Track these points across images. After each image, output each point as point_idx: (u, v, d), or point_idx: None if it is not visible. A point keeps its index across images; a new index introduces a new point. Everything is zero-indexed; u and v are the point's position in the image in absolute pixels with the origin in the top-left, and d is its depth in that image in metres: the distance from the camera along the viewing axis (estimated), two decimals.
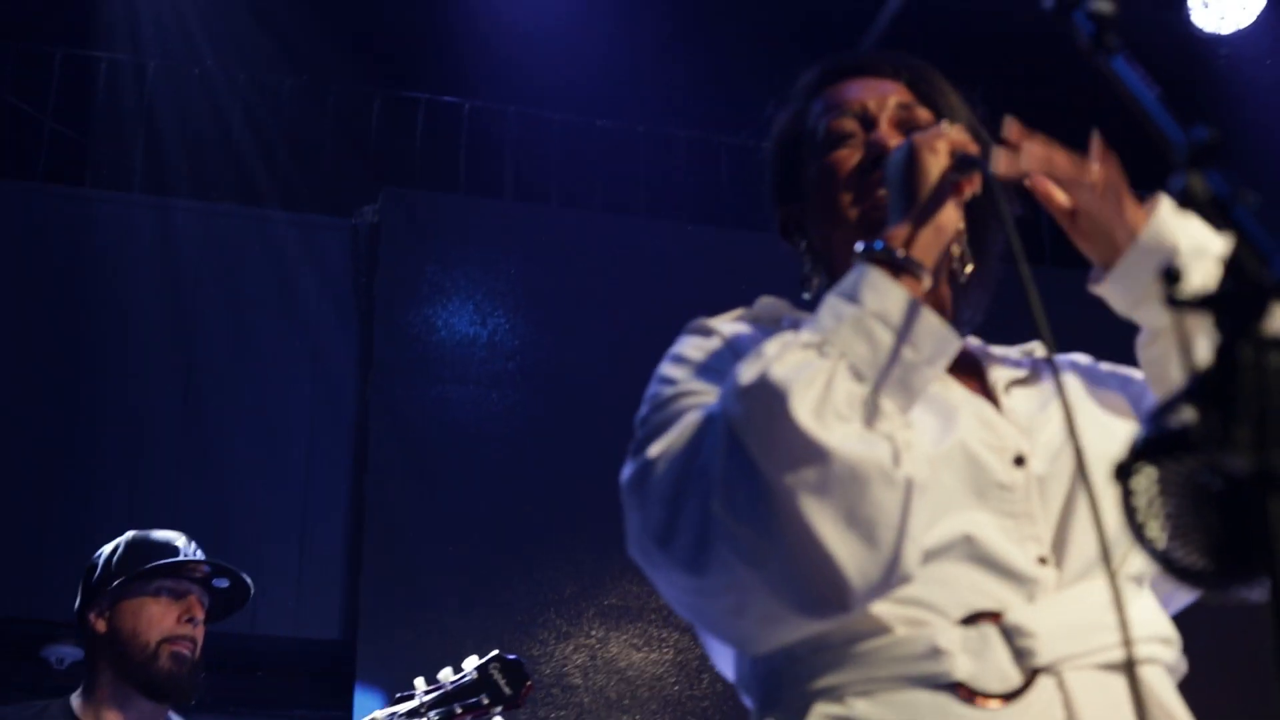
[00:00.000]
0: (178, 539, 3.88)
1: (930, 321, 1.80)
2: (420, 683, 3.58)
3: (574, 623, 7.12)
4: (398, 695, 3.57)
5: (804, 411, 1.69)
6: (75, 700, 3.79)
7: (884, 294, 1.80)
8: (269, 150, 7.73)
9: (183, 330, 7.36)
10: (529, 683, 3.59)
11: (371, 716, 3.52)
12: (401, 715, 3.50)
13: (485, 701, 3.52)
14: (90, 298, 7.35)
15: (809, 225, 2.17)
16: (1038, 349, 2.17)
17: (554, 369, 7.51)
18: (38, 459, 7.08)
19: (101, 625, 3.77)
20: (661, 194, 8.12)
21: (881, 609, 1.80)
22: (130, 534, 3.91)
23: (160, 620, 3.75)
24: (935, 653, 1.80)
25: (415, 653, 6.88)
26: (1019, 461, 1.91)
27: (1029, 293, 1.67)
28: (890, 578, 1.72)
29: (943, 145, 1.88)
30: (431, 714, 3.49)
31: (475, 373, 7.45)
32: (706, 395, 1.88)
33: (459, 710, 3.50)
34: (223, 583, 3.90)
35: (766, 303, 2.14)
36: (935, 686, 1.79)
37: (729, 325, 2.06)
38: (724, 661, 2.04)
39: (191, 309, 7.41)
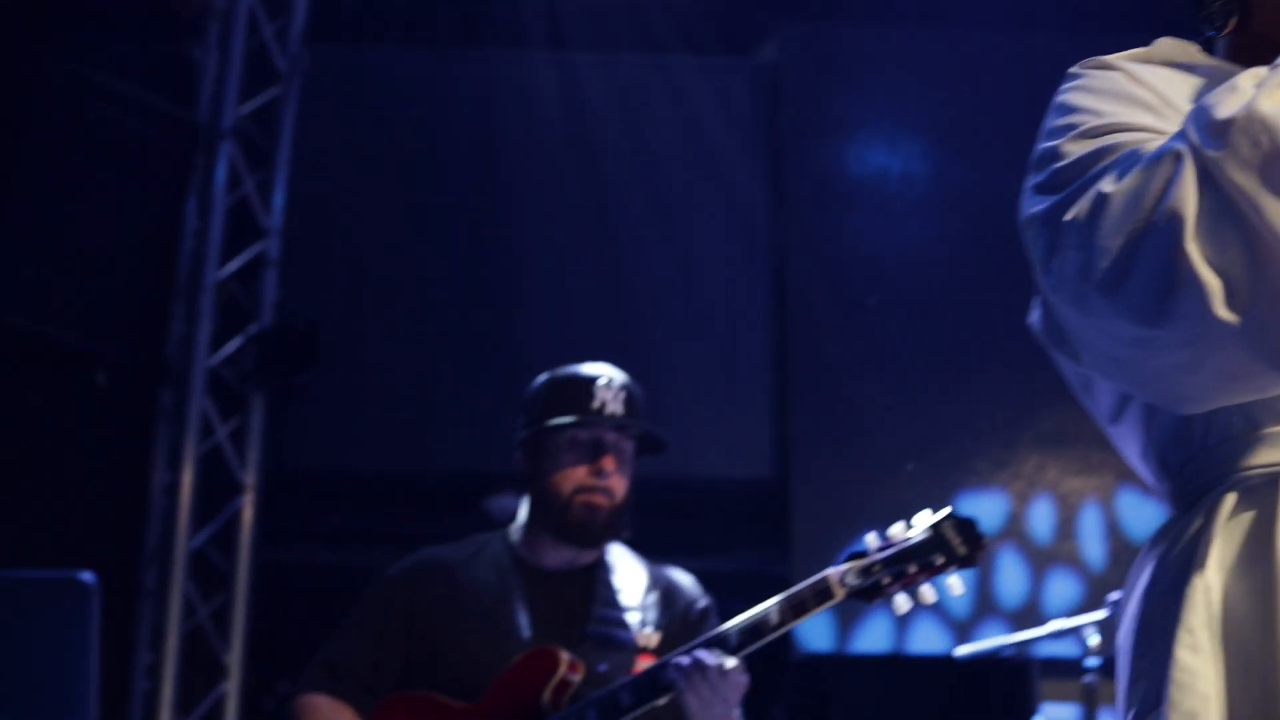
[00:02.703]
0: (599, 377, 3.83)
1: None
2: (872, 539, 3.47)
3: (1009, 450, 7.00)
4: (850, 551, 3.49)
5: None
6: (515, 534, 3.85)
7: None
8: None
9: (595, 181, 7.45)
10: (984, 542, 3.44)
11: (825, 573, 3.43)
12: (855, 572, 3.42)
13: (939, 562, 3.41)
14: (501, 158, 7.49)
15: None
16: None
17: (967, 194, 7.33)
18: (467, 314, 7.27)
19: (528, 465, 3.83)
20: (1067, 6, 7.80)
21: None
22: (550, 374, 3.90)
23: (572, 473, 3.75)
24: None
25: (848, 487, 6.88)
26: None
27: None
28: None
29: None
30: (885, 573, 3.40)
31: (889, 203, 7.34)
32: (1140, 128, 1.72)
33: (913, 570, 3.41)
34: (625, 422, 3.83)
35: (1168, 43, 1.95)
36: None
37: (1133, 64, 1.88)
38: (1133, 447, 1.90)
39: (601, 160, 7.47)
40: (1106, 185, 1.65)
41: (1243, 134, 1.57)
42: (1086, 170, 1.71)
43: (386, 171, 7.50)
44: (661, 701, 3.50)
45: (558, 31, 7.61)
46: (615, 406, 3.81)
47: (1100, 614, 3.99)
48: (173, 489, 6.78)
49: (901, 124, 7.46)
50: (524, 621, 3.70)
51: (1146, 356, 1.66)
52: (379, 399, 7.21)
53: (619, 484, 3.80)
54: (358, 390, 7.20)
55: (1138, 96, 1.80)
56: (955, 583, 3.39)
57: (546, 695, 3.54)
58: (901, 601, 3.42)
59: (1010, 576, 6.91)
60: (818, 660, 6.78)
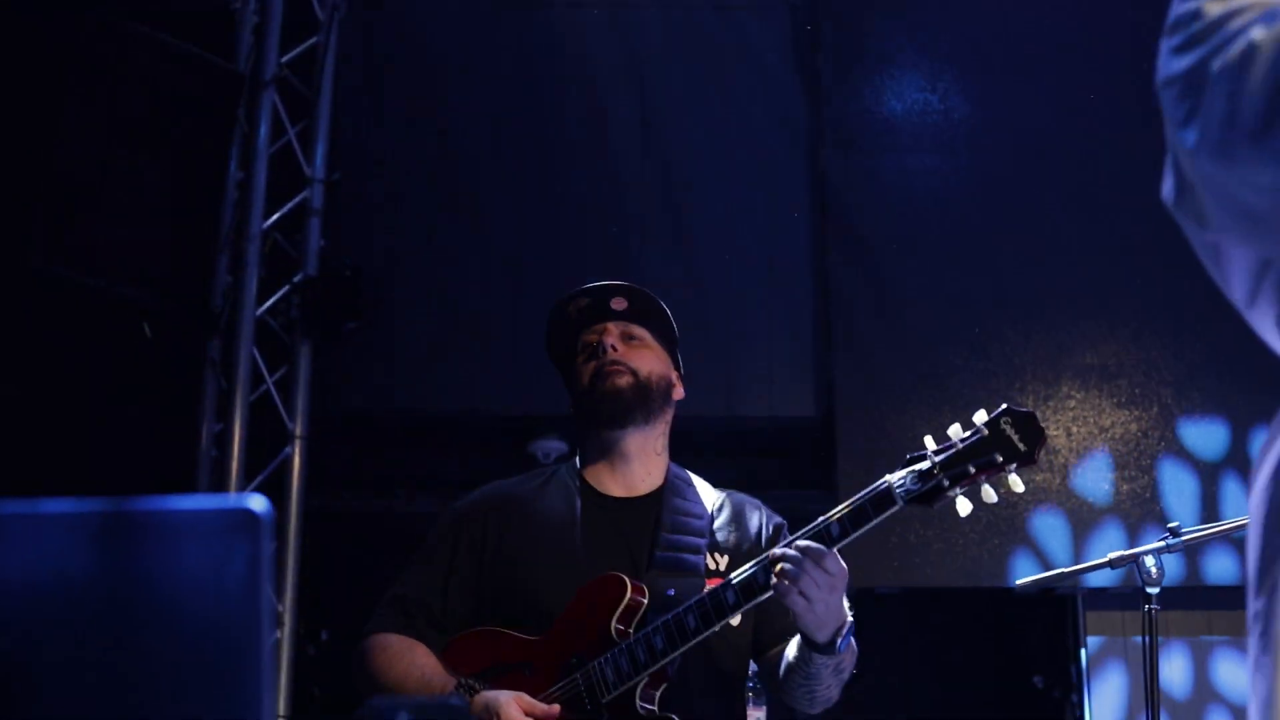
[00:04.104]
0: (590, 285, 3.91)
1: None
2: (930, 441, 3.32)
3: (1052, 385, 6.99)
4: (908, 455, 3.37)
5: None
6: (579, 465, 3.88)
7: None
8: None
9: (641, 120, 7.46)
10: (1044, 436, 3.27)
11: (883, 480, 3.32)
12: (914, 476, 3.29)
13: (999, 459, 3.24)
14: (544, 101, 7.50)
15: None
16: None
17: (1007, 130, 7.31)
18: (511, 257, 7.29)
19: (568, 392, 3.88)
20: None
21: None
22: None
23: (585, 364, 3.80)
24: None
25: (892, 425, 6.89)
26: None
27: None
28: None
29: None
30: (944, 476, 3.26)
31: (929, 139, 7.31)
32: None
33: (973, 470, 3.26)
34: (620, 305, 3.88)
35: None
36: None
37: None
38: (1269, 322, 1.80)
39: (649, 98, 7.48)
40: (1257, 33, 1.62)
41: None
42: (1230, 22, 1.67)
43: (427, 117, 7.50)
44: (734, 620, 3.50)
45: None
46: (598, 292, 3.89)
47: (1159, 544, 3.95)
48: (223, 439, 6.83)
49: (940, 59, 7.41)
50: (592, 549, 3.70)
51: None
52: (423, 344, 7.24)
53: (636, 357, 3.81)
54: (402, 336, 7.22)
55: None
56: (1015, 481, 3.26)
57: (614, 622, 3.54)
58: (964, 504, 3.31)
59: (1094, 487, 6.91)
60: (862, 593, 6.81)
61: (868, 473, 6.76)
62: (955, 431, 3.31)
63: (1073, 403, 6.96)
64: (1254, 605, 1.74)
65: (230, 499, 1.51)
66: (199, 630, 1.49)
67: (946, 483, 3.27)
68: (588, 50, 7.48)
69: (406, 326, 7.24)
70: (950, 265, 7.08)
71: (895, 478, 3.32)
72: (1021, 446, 3.26)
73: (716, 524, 3.82)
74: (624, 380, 3.75)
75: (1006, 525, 6.78)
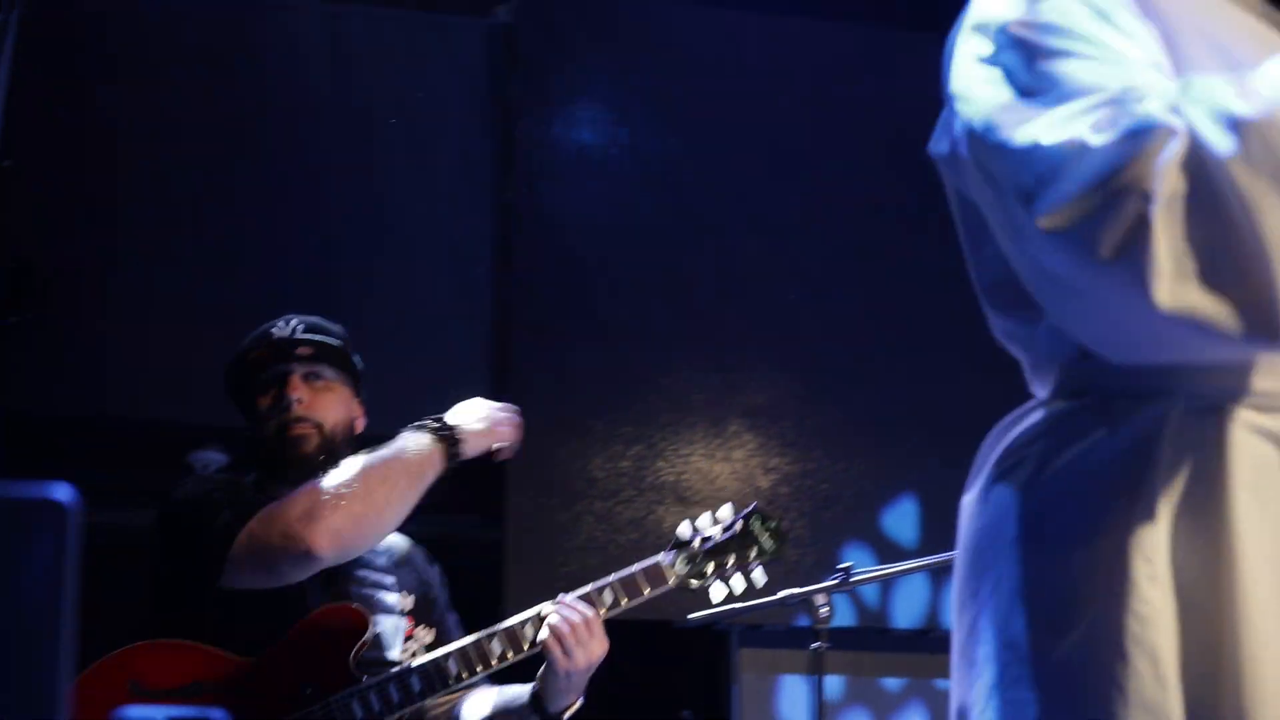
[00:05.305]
0: (276, 322, 3.90)
1: None
2: (685, 529, 3.80)
3: (718, 424, 7.10)
4: (675, 539, 3.80)
5: None
6: (256, 486, 3.81)
7: None
8: None
9: (313, 130, 7.28)
10: (788, 537, 3.88)
11: (656, 559, 3.74)
12: (683, 560, 3.74)
13: (751, 554, 3.77)
14: (228, 99, 7.31)
15: None
16: None
17: (694, 168, 7.41)
18: (186, 263, 7.09)
19: (244, 418, 3.87)
20: None
21: None
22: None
23: (269, 415, 3.80)
24: None
25: (564, 453, 6.91)
26: None
27: None
28: None
29: None
30: (707, 563, 3.72)
31: (616, 173, 7.36)
32: (1120, 60, 1.72)
33: (730, 562, 3.75)
34: (306, 350, 3.89)
35: None
36: None
37: None
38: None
39: (320, 110, 7.32)
40: (1092, 136, 1.64)
41: (1258, 137, 1.58)
42: (1073, 99, 1.70)
43: (108, 110, 7.24)
44: (491, 669, 3.63)
45: None
46: (288, 335, 3.87)
47: (830, 583, 4.13)
48: None
49: (634, 94, 7.47)
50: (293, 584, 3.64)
51: (1084, 295, 1.68)
52: (87, 346, 6.99)
53: (321, 406, 3.81)
54: (69, 336, 6.97)
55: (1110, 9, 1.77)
56: (759, 575, 3.78)
57: (354, 656, 3.53)
58: (717, 591, 3.77)
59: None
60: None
61: (533, 504, 6.82)
62: (706, 523, 3.79)
63: (744, 440, 7.07)
64: (957, 635, 1.80)
65: (33, 487, 1.41)
66: None
67: (709, 569, 3.74)
68: (268, 54, 7.29)
69: (73, 326, 6.98)
70: (630, 299, 7.14)
71: (665, 558, 3.73)
72: (769, 545, 3.79)
73: (394, 561, 3.82)
74: (312, 441, 3.76)
75: None
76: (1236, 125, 1.59)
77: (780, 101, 7.43)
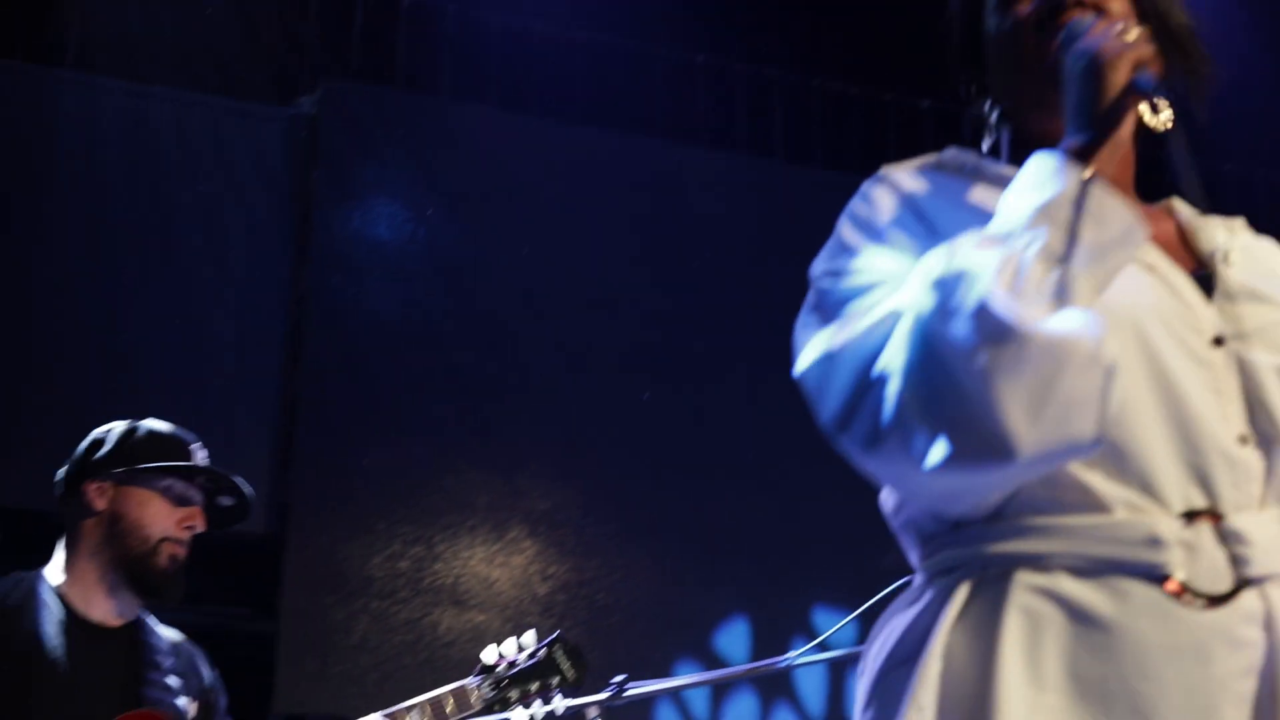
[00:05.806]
0: (193, 441, 3.89)
1: (1115, 204, 1.80)
2: (490, 653, 3.89)
3: (500, 528, 7.10)
4: (480, 665, 3.89)
5: (999, 298, 1.71)
6: (55, 576, 3.73)
7: (1068, 178, 1.81)
8: (209, 34, 7.54)
9: (106, 214, 7.17)
10: (587, 667, 3.97)
11: (463, 683, 3.83)
12: (489, 684, 3.83)
13: (554, 682, 3.89)
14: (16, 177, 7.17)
15: (990, 79, 2.15)
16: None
17: (487, 271, 7.45)
18: None
19: (102, 503, 3.75)
20: (599, 102, 8.03)
21: (1103, 486, 1.82)
22: (148, 421, 3.90)
23: (165, 519, 3.75)
24: (1154, 542, 1.80)
25: (343, 550, 6.85)
26: (1218, 342, 1.91)
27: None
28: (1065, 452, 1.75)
29: (1126, 62, 1.85)
30: (512, 689, 3.82)
31: (411, 272, 7.36)
32: (887, 275, 1.90)
33: (533, 688, 3.86)
34: (227, 500, 3.92)
35: (952, 153, 2.12)
36: (1148, 577, 1.80)
37: (911, 180, 2.04)
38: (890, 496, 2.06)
39: (117, 193, 7.22)
40: (837, 341, 1.86)
41: (947, 290, 1.75)
42: (838, 312, 1.92)
43: None
44: None
45: (86, 56, 7.35)
46: (214, 470, 3.89)
47: (604, 695, 4.15)
48: None
49: (430, 192, 7.49)
50: (83, 681, 3.59)
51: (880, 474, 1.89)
52: None
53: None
54: None
55: (903, 227, 1.96)
56: (559, 702, 3.87)
57: None
58: (518, 717, 3.83)
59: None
60: None
61: (310, 601, 6.74)
62: (510, 650, 3.91)
63: (524, 546, 7.08)
64: None
65: None
66: None
67: (513, 695, 3.85)
68: (70, 135, 7.18)
69: None
70: (417, 396, 7.13)
71: (471, 682, 3.84)
72: (571, 674, 3.92)
73: (180, 665, 3.80)
74: (180, 565, 3.77)
75: (443, 662, 6.78)
76: (932, 284, 1.77)
77: (577, 209, 7.53)
